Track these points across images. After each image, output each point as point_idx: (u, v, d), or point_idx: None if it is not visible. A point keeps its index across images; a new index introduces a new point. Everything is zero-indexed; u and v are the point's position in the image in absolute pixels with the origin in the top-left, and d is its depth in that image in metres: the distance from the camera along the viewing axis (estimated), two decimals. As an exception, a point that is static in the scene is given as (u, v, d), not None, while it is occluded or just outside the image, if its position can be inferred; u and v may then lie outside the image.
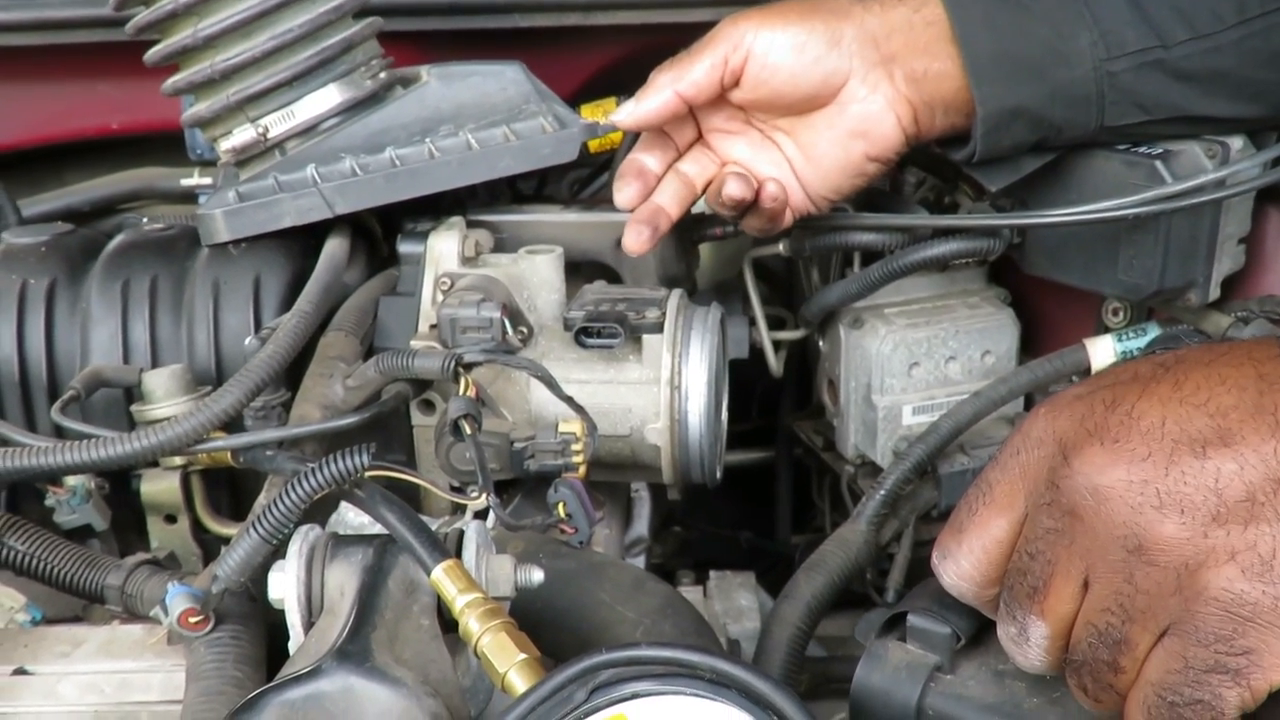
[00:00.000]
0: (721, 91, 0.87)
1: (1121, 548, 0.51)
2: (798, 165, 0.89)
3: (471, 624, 0.58)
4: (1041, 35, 0.83)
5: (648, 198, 0.88)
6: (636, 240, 0.87)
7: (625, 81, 1.20)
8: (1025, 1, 0.84)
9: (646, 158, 0.90)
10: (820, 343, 1.10)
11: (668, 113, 0.87)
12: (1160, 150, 0.86)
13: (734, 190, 0.85)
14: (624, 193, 0.88)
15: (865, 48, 0.84)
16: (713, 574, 1.03)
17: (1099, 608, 0.52)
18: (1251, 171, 0.86)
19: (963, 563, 0.57)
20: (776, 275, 1.20)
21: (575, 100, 1.18)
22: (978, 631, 0.60)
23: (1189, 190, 0.84)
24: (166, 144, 1.15)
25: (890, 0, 0.85)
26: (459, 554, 0.62)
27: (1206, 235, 0.88)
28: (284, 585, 0.61)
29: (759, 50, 0.83)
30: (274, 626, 0.65)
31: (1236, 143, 0.87)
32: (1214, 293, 0.91)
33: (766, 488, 1.34)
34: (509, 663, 0.56)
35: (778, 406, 1.26)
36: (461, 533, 0.63)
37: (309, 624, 0.61)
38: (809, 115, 0.87)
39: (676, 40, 1.17)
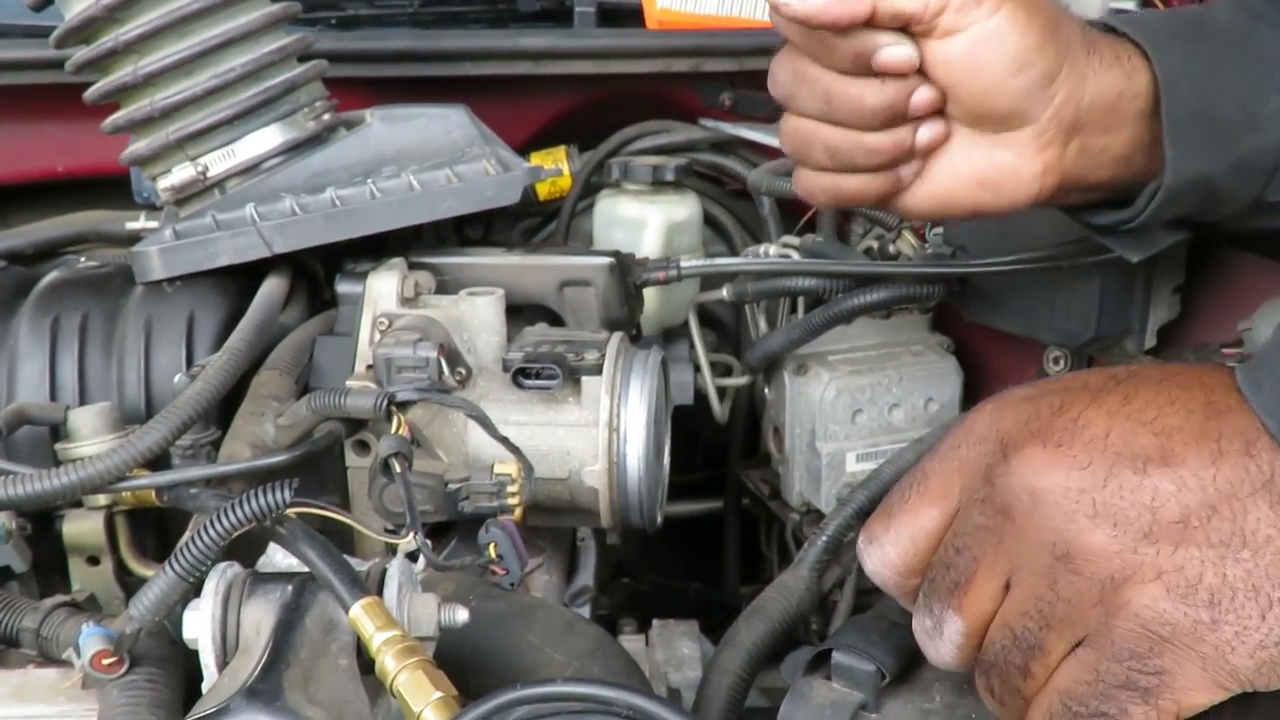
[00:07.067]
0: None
1: (1049, 553, 0.50)
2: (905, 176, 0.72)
3: (388, 662, 0.56)
4: (1237, 93, 0.72)
5: None
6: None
7: (576, 131, 1.21)
8: (1220, 52, 0.72)
9: None
10: (766, 389, 1.10)
11: (848, 19, 0.65)
12: (1094, 198, 0.87)
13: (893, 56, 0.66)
14: None
15: (1065, 106, 0.68)
16: (656, 623, 1.01)
17: (1018, 611, 0.51)
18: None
19: (888, 549, 0.56)
20: (725, 322, 1.20)
21: (526, 148, 1.19)
22: (904, 669, 0.59)
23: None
24: (113, 187, 1.14)
25: (1109, 57, 0.70)
26: (381, 592, 0.61)
27: (1141, 284, 0.89)
28: (198, 624, 0.60)
29: (979, 35, 0.66)
30: (194, 669, 0.63)
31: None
32: (1150, 340, 0.92)
33: (716, 539, 1.33)
34: (424, 701, 0.55)
35: (725, 456, 1.26)
36: (384, 570, 0.62)
37: (224, 664, 0.60)
38: (957, 132, 0.71)
39: (627, 91, 1.19)
